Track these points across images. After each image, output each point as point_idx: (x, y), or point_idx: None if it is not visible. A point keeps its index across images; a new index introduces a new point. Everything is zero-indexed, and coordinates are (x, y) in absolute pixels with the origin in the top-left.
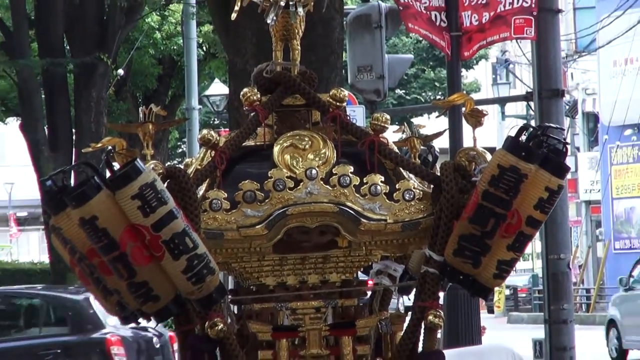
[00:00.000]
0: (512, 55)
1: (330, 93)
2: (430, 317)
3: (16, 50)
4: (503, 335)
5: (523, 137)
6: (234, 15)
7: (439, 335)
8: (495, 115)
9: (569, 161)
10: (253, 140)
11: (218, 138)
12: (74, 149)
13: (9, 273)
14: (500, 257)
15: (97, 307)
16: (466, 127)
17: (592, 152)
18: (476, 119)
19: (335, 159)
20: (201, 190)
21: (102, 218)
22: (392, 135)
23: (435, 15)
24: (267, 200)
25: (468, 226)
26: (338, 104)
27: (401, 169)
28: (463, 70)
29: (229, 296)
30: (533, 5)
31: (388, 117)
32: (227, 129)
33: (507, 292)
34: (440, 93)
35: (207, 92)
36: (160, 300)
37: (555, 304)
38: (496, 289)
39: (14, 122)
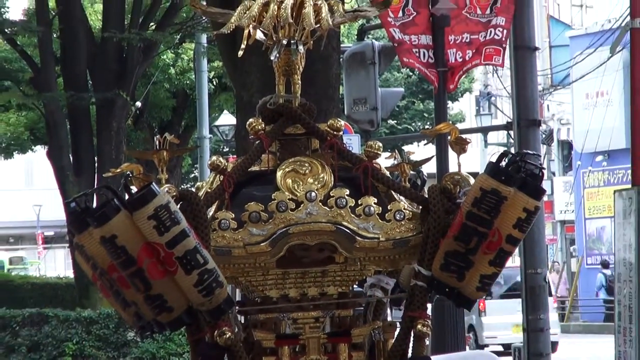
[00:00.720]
0: (494, 88)
1: (328, 123)
2: (419, 326)
3: (44, 84)
4: None
5: (503, 163)
6: (240, 53)
7: (427, 343)
8: (478, 143)
9: (546, 185)
10: (258, 165)
11: (226, 164)
12: (96, 174)
13: (38, 287)
14: (483, 272)
15: None
16: (452, 154)
17: (567, 176)
18: (460, 146)
19: (332, 182)
20: (211, 211)
21: (121, 236)
22: (384, 161)
23: (424, 53)
24: (270, 220)
25: (453, 243)
26: (335, 132)
27: (392, 191)
28: (449, 102)
29: (236, 307)
30: (503, 39)
31: (380, 144)
32: (235, 156)
33: None
34: (428, 123)
35: (217, 123)
36: (173, 311)
37: (533, 314)
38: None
39: (41, 150)
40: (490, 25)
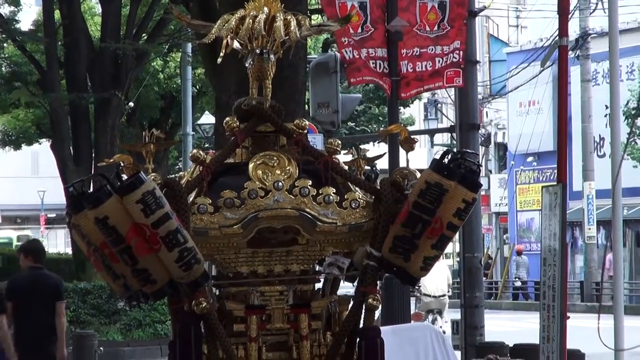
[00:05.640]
0: (440, 96)
1: (295, 122)
2: (370, 300)
3: (49, 85)
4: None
5: (446, 160)
6: (219, 60)
7: (377, 315)
8: (425, 143)
9: (483, 180)
10: (233, 158)
11: (205, 156)
12: (93, 164)
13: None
14: (426, 254)
15: None
16: (401, 152)
17: (502, 174)
18: (409, 145)
19: (297, 174)
20: (191, 197)
21: (112, 218)
22: (343, 157)
23: (380, 64)
24: (242, 206)
25: (401, 229)
26: (300, 131)
27: (349, 183)
28: (401, 107)
29: (212, 281)
30: (461, 60)
31: (340, 142)
32: (214, 150)
33: None
34: (383, 125)
35: (199, 122)
36: (157, 283)
37: (470, 292)
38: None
39: (46, 142)
40: (449, 50)
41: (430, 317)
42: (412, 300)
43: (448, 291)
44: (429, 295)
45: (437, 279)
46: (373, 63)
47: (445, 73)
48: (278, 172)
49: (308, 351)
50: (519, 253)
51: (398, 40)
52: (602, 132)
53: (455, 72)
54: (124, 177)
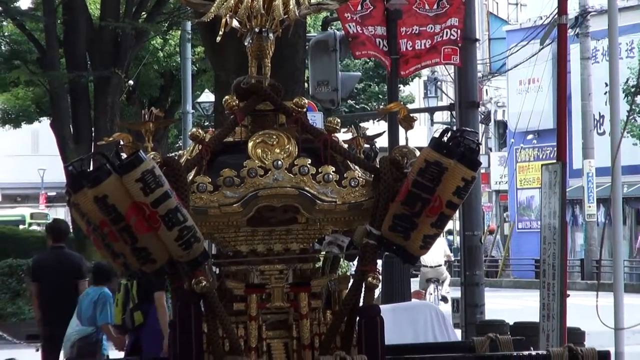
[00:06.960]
0: (440, 74)
1: (294, 101)
2: (370, 279)
3: (48, 64)
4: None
5: (445, 138)
6: (218, 39)
7: (376, 294)
8: (425, 122)
9: (482, 158)
10: (232, 137)
11: (204, 135)
12: (92, 143)
13: (41, 240)
14: (426, 232)
15: None
16: (401, 130)
17: (502, 152)
18: (408, 123)
19: (297, 152)
20: (190, 176)
21: (111, 196)
22: (342, 135)
23: (379, 42)
24: (242, 185)
25: (400, 207)
26: (299, 109)
27: (348, 161)
28: (400, 85)
29: (212, 259)
30: (459, 39)
31: (339, 120)
32: (213, 129)
33: None
34: (382, 104)
35: (199, 100)
36: (156, 262)
37: (470, 270)
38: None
39: (46, 121)
40: (446, 26)
41: (432, 287)
42: (412, 280)
43: (445, 263)
44: (426, 266)
45: (433, 251)
46: (373, 40)
47: (442, 50)
48: (277, 150)
49: (308, 330)
50: (491, 232)
51: (397, 18)
52: (602, 109)
53: (452, 50)
54: (124, 155)
